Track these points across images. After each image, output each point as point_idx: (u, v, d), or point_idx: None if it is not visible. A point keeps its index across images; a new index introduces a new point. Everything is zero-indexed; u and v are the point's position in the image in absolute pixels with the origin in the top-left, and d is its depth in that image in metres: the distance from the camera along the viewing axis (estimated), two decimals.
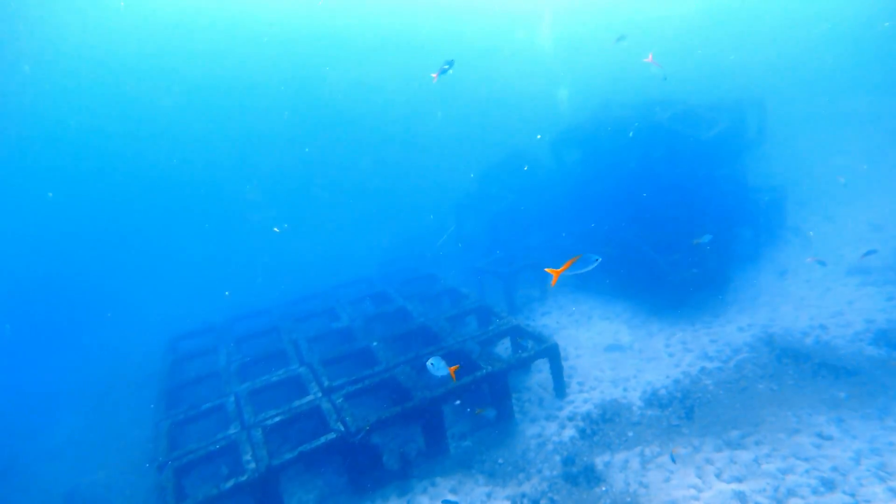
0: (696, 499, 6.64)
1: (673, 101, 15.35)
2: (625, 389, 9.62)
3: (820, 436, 7.13)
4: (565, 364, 10.56)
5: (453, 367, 6.31)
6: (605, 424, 8.68)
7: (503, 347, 11.72)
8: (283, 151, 32.89)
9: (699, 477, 7.04)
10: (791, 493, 6.22)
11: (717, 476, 6.96)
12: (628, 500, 6.89)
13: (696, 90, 17.05)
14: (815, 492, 6.13)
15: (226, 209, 29.30)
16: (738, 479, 6.76)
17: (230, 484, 7.01)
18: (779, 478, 6.53)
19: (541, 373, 10.62)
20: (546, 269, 5.70)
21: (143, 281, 22.78)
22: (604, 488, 7.19)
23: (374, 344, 10.10)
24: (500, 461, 8.13)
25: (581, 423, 8.77)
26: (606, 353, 11.20)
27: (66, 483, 10.12)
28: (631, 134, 14.23)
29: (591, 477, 7.43)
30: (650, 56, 9.95)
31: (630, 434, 8.33)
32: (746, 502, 6.31)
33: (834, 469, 6.44)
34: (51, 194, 27.17)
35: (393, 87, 36.43)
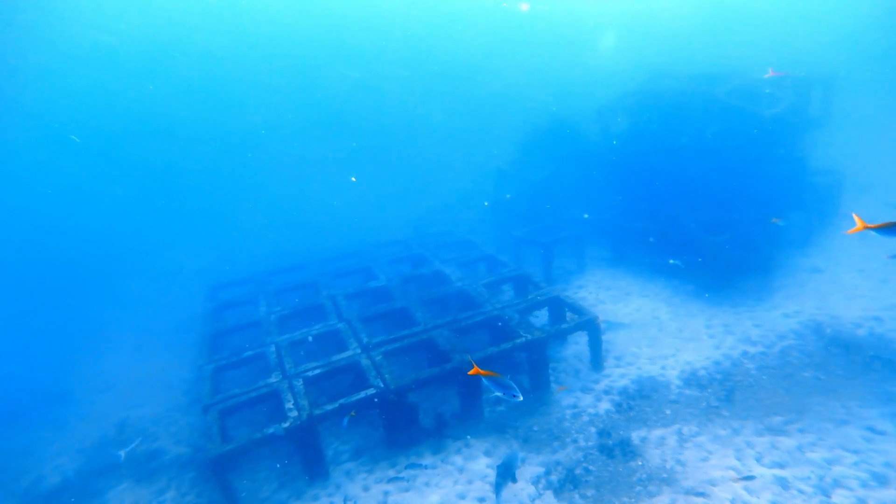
0: (735, 480, 6.58)
1: (731, 74, 14.56)
2: (663, 367, 9.51)
3: (871, 430, 6.92)
4: (602, 338, 10.45)
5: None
6: (642, 400, 8.62)
7: (538, 317, 11.67)
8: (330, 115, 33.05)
9: (738, 459, 6.96)
10: (838, 483, 6.09)
11: (758, 460, 6.86)
12: (664, 475, 6.88)
13: (758, 65, 16.11)
14: (864, 485, 5.98)
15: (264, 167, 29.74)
16: (780, 465, 6.66)
17: (272, 429, 7.25)
18: (825, 467, 6.39)
19: (576, 345, 10.57)
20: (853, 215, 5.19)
21: (183, 231, 23.43)
22: (640, 462, 7.18)
23: (413, 305, 10.16)
24: (535, 428, 8.19)
25: (617, 398, 8.73)
26: (644, 329, 11.03)
27: (117, 414, 10.69)
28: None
29: (626, 450, 7.42)
30: (770, 70, 9.66)
31: (667, 412, 8.26)
32: (788, 489, 6.22)
33: (887, 465, 6.26)
34: (76, 138, 28.00)
35: (434, 55, 35.65)
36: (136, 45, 29.58)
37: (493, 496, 6.96)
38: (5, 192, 25.78)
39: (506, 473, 6.69)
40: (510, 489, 6.94)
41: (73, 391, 12.11)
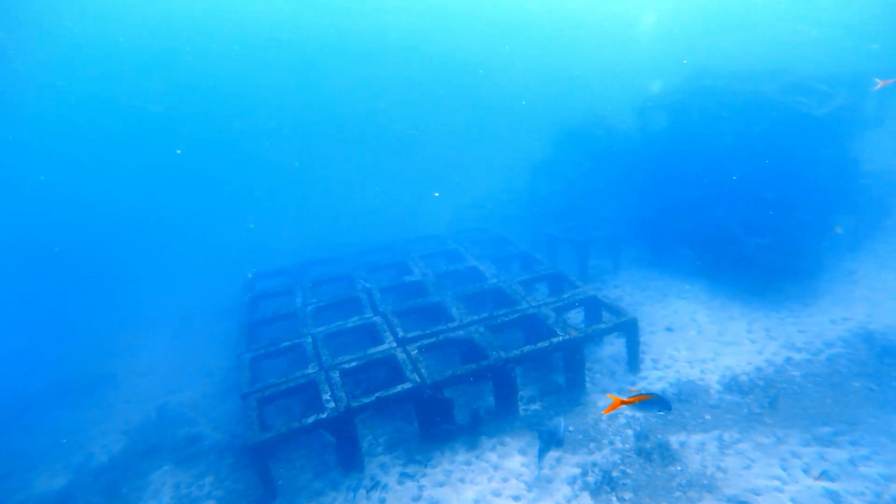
0: (781, 491, 6.37)
1: (780, 71, 14.02)
2: (702, 371, 9.27)
3: None
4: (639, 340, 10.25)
5: None
6: (681, 404, 8.42)
7: (573, 317, 11.52)
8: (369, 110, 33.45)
9: (784, 469, 6.73)
10: None
11: (805, 471, 6.62)
12: (705, 482, 6.71)
13: (808, 61, 15.50)
14: None
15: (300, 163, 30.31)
16: (830, 478, 6.41)
17: (311, 419, 7.35)
18: (882, 484, 6.12)
19: (612, 346, 10.40)
20: None
21: (223, 222, 24.05)
22: (679, 467, 7.02)
23: (447, 300, 10.15)
24: (571, 429, 8.09)
25: None
26: (682, 332, 10.77)
27: (158, 398, 11.05)
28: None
29: (665, 455, 7.26)
30: (879, 81, 9.42)
31: (707, 417, 8.05)
32: None
33: None
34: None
35: (466, 54, 35.54)
36: (163, 42, 30.46)
37: (531, 481, 6.94)
38: (54, 186, 26.94)
39: (550, 440, 6.64)
40: (547, 485, 6.89)
41: (117, 374, 12.56)
